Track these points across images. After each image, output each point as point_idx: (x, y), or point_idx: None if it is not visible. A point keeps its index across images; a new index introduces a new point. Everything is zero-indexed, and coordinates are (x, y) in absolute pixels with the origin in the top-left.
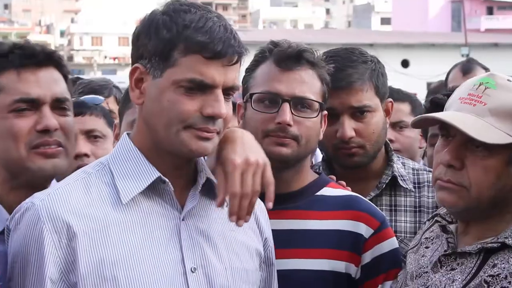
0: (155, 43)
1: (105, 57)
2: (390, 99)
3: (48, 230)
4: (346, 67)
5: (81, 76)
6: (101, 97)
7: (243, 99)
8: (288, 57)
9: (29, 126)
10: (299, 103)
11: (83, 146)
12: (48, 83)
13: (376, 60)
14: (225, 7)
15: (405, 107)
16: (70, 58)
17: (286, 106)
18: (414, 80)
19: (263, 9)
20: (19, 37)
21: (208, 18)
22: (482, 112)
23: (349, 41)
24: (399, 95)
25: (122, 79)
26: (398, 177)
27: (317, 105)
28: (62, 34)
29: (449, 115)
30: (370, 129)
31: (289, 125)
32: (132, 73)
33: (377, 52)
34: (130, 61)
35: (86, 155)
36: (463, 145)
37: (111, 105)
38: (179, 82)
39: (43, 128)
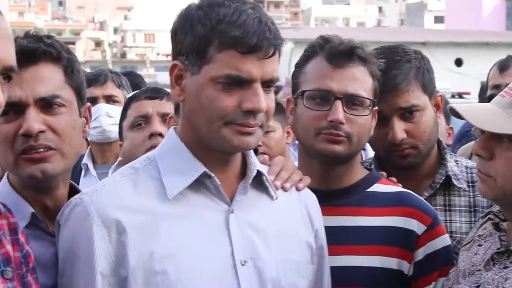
0: (190, 39)
1: (158, 54)
2: (439, 93)
3: (97, 225)
4: (390, 68)
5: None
6: None
7: (292, 94)
8: (340, 53)
9: (14, 130)
10: (351, 101)
11: (159, 126)
12: (32, 83)
13: (420, 56)
14: (277, 4)
15: None
16: (123, 55)
17: (339, 104)
18: (468, 79)
19: (315, 6)
20: (73, 34)
21: (242, 11)
22: (507, 104)
23: (402, 39)
24: None
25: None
26: (452, 176)
27: (368, 102)
28: (115, 31)
29: (465, 106)
30: (421, 129)
31: (342, 123)
32: (171, 70)
33: (430, 51)
34: None
35: (160, 134)
36: (494, 136)
37: (111, 90)
38: (216, 79)
39: (24, 133)
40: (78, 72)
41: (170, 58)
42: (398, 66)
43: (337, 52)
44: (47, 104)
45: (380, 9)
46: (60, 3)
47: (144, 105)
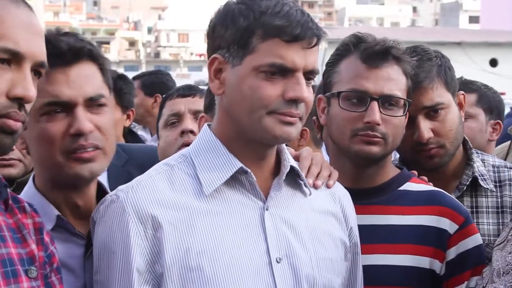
0: (232, 31)
1: (191, 53)
2: (462, 92)
3: (133, 222)
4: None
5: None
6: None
7: (324, 93)
8: (375, 53)
9: (62, 130)
10: (387, 101)
11: (190, 123)
12: (79, 82)
13: (440, 55)
14: (311, 4)
15: (470, 98)
16: (157, 54)
17: (375, 105)
18: (503, 80)
19: (349, 6)
20: (107, 34)
21: (284, 4)
22: None
23: (436, 40)
24: (466, 86)
25: (207, 75)
26: (479, 177)
27: (403, 102)
28: (149, 30)
29: None
30: (447, 127)
31: (378, 124)
32: (210, 64)
33: (465, 51)
34: None
35: (192, 132)
36: None
37: None
38: (259, 68)
39: (76, 132)
40: (108, 70)
41: (203, 58)
42: (419, 65)
43: (372, 52)
44: (93, 104)
45: (414, 9)
46: (95, 3)
47: (176, 103)
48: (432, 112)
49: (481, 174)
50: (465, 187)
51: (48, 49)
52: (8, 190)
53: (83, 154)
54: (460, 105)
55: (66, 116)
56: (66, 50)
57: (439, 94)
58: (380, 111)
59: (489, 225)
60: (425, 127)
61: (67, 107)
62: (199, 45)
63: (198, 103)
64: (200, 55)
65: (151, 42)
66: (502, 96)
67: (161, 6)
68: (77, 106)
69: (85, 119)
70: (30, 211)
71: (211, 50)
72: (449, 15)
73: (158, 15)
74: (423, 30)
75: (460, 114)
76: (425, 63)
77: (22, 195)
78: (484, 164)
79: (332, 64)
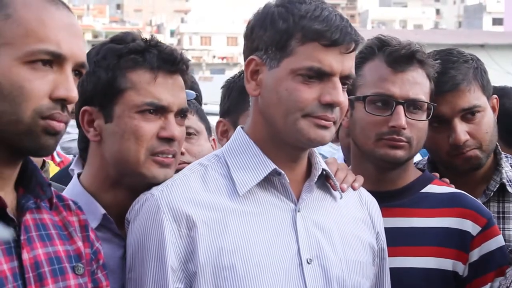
0: (271, 33)
1: (214, 56)
2: (495, 96)
3: (168, 220)
4: (448, 69)
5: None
6: (193, 92)
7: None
8: (401, 57)
9: (154, 131)
10: (412, 105)
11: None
12: (177, 91)
13: (475, 57)
14: (334, 7)
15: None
16: None
17: (401, 109)
18: None
19: (372, 9)
20: None
21: (323, 8)
22: None
23: (459, 42)
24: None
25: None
26: (507, 184)
27: (427, 106)
28: (172, 33)
29: None
30: (483, 130)
31: (404, 128)
32: (247, 66)
33: (488, 53)
34: (237, 61)
35: (181, 153)
36: None
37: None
38: (297, 71)
39: (169, 136)
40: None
41: (226, 61)
42: (456, 67)
43: (398, 56)
44: (181, 114)
45: (437, 11)
46: (118, 6)
47: None
48: (469, 114)
49: (509, 180)
50: (492, 193)
51: (156, 52)
52: (53, 189)
53: (165, 159)
54: (493, 109)
55: (158, 119)
56: (175, 57)
57: (476, 97)
58: (405, 115)
59: None
60: (462, 130)
61: (162, 112)
62: (222, 48)
63: (189, 122)
64: (223, 58)
65: (174, 45)
66: None
67: (184, 9)
68: (171, 113)
69: (176, 126)
70: (75, 209)
71: (248, 51)
72: (473, 17)
73: (181, 18)
74: (446, 32)
75: (494, 118)
76: (461, 65)
77: (66, 193)
78: None
79: (356, 66)
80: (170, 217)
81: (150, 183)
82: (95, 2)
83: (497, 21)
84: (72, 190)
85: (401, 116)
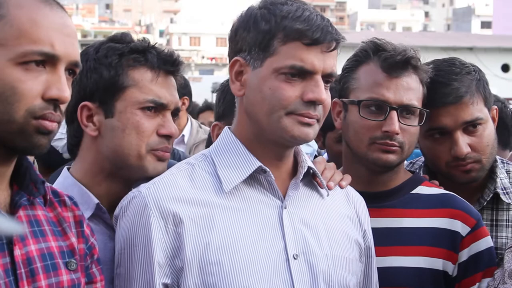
0: (254, 35)
1: (203, 57)
2: (495, 106)
3: (155, 217)
4: (451, 80)
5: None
6: None
7: (339, 96)
8: (396, 63)
9: (153, 128)
10: (405, 110)
11: None
12: (173, 90)
13: (478, 69)
14: (323, 9)
15: None
16: None
17: (394, 115)
18: None
19: (361, 11)
20: None
21: (305, 9)
22: None
23: (448, 45)
24: None
25: (219, 79)
26: (501, 192)
27: (419, 111)
28: (161, 34)
29: None
30: (484, 142)
31: (397, 133)
32: (231, 67)
33: (476, 56)
34: (227, 62)
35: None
36: None
37: None
38: (280, 70)
39: (168, 134)
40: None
41: (214, 61)
42: (459, 79)
43: (393, 62)
44: (174, 112)
45: (426, 13)
46: (107, 6)
47: None
48: (471, 127)
49: (504, 188)
50: (485, 203)
51: (156, 52)
52: (48, 184)
53: (165, 153)
54: (493, 119)
55: (156, 116)
56: (175, 58)
57: (478, 109)
58: (399, 121)
59: (507, 239)
60: (464, 142)
61: (160, 109)
62: (211, 48)
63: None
64: (212, 59)
65: (163, 45)
66: None
67: (173, 10)
68: (168, 111)
69: (173, 124)
70: (70, 205)
71: (232, 53)
72: (461, 20)
73: (170, 19)
74: (435, 35)
75: (494, 129)
76: (464, 77)
77: (57, 186)
78: (508, 176)
79: (350, 69)
80: (157, 214)
81: (149, 176)
82: (84, 2)
83: (486, 24)
84: (63, 183)
85: (394, 121)
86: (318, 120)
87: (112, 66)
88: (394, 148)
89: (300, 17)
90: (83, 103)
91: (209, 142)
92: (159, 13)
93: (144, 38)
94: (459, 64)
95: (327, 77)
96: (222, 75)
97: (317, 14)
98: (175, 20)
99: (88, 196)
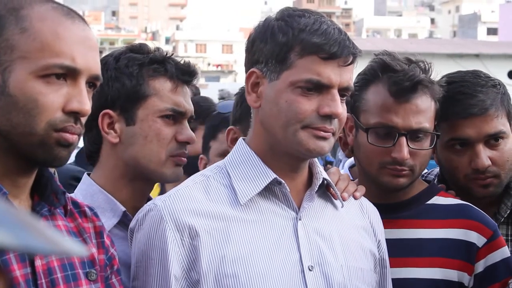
0: (271, 47)
1: (209, 64)
2: None
3: (171, 229)
4: (477, 92)
5: None
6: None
7: (351, 111)
8: (405, 88)
9: (172, 135)
10: (415, 134)
11: None
12: (189, 99)
13: (502, 83)
14: (329, 15)
15: None
16: None
17: (403, 141)
18: None
19: (367, 18)
20: (125, 44)
21: (322, 22)
22: None
23: (454, 51)
24: None
25: (225, 86)
26: None
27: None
28: (167, 41)
29: None
30: (505, 157)
31: (406, 159)
32: (248, 78)
33: (483, 63)
34: (232, 69)
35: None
36: None
37: None
38: (296, 83)
39: (186, 140)
40: None
41: (220, 68)
42: (485, 91)
43: (402, 88)
44: (189, 120)
45: (432, 20)
46: (114, 13)
47: None
48: (493, 140)
49: None
50: (502, 219)
51: (174, 63)
52: (68, 195)
53: (183, 158)
54: None
55: (174, 124)
56: (192, 69)
57: (502, 123)
58: (408, 145)
59: None
60: (485, 155)
61: (179, 117)
62: (217, 55)
63: None
64: (218, 66)
65: (169, 52)
66: None
67: (179, 17)
68: (185, 119)
69: (190, 131)
70: (90, 215)
71: (249, 64)
72: (467, 27)
73: (176, 26)
74: (441, 41)
75: None
76: (490, 90)
77: (80, 194)
78: None
79: (360, 88)
80: (173, 227)
81: (168, 181)
82: (91, 9)
83: (492, 31)
84: (87, 190)
85: (403, 148)
86: (333, 134)
87: (133, 75)
88: (404, 172)
89: (317, 30)
90: (104, 111)
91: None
92: (165, 20)
93: (158, 49)
94: (484, 77)
95: (343, 90)
96: (228, 81)
97: (334, 27)
98: (181, 27)
99: (115, 203)
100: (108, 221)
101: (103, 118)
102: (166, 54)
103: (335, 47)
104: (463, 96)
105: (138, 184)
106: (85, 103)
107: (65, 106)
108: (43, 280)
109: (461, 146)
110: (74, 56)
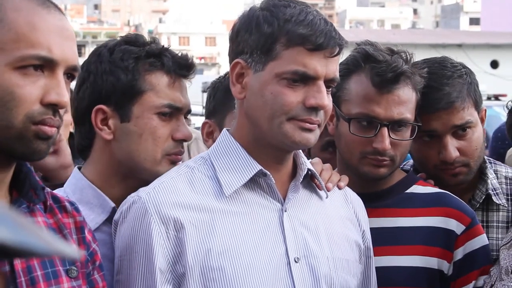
0: (256, 37)
1: (192, 57)
2: (484, 107)
3: (156, 222)
4: (443, 85)
5: None
6: None
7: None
8: (387, 80)
9: (168, 133)
10: (397, 125)
11: None
12: (186, 93)
13: (469, 71)
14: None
15: None
16: None
17: (385, 131)
18: (504, 82)
19: (349, 9)
20: (108, 37)
21: (308, 12)
22: None
23: (437, 42)
24: None
25: (208, 78)
26: (492, 194)
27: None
28: (150, 33)
29: None
30: (473, 146)
31: (387, 149)
32: (232, 69)
33: (465, 53)
34: (216, 61)
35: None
36: None
37: None
38: (282, 75)
39: (182, 138)
40: None
41: (204, 61)
42: (451, 83)
43: (384, 79)
44: (186, 115)
45: (415, 11)
46: (96, 7)
47: None
48: (460, 130)
49: (494, 189)
50: (478, 204)
51: (171, 56)
52: (48, 190)
53: (178, 157)
54: (482, 120)
55: (170, 121)
56: (190, 62)
57: (469, 113)
58: (389, 136)
59: (498, 240)
60: (453, 146)
61: (176, 113)
62: (200, 48)
63: None
64: (201, 58)
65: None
66: (504, 98)
67: (162, 10)
68: (182, 114)
69: (187, 128)
70: (71, 210)
71: (233, 54)
72: (450, 17)
73: (159, 19)
74: (424, 32)
75: (483, 130)
76: (456, 81)
77: (69, 188)
78: (497, 176)
79: (341, 77)
80: (157, 220)
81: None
82: (73, 2)
83: (474, 21)
84: (76, 184)
85: (384, 138)
86: (319, 125)
87: (129, 70)
88: (385, 162)
89: (303, 21)
90: (98, 106)
91: None
92: (147, 13)
93: (155, 40)
94: (451, 67)
95: (329, 82)
96: (212, 74)
97: (320, 18)
98: (164, 20)
99: (104, 199)
100: (97, 217)
101: (97, 113)
102: (163, 46)
103: (321, 38)
104: (429, 89)
105: (131, 182)
106: (64, 95)
107: (43, 98)
108: (23, 279)
109: (429, 137)
110: (51, 47)
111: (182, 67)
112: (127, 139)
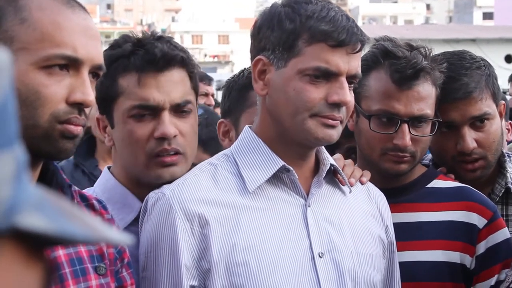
0: (278, 34)
1: (205, 55)
2: (503, 102)
3: (180, 219)
4: (461, 75)
5: None
6: None
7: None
8: (407, 76)
9: (148, 133)
10: (417, 121)
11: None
12: (169, 87)
13: (487, 63)
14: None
15: None
16: None
17: (405, 128)
18: None
19: (362, 5)
20: None
21: (330, 9)
22: None
23: (450, 37)
24: None
25: (222, 77)
26: None
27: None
28: (163, 32)
29: None
30: (490, 138)
31: (408, 146)
32: (255, 65)
33: (479, 48)
34: (229, 59)
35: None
36: None
37: None
38: (304, 71)
39: (161, 136)
40: (196, 75)
41: (217, 59)
42: (469, 74)
43: (404, 76)
44: (179, 109)
45: (428, 6)
46: (109, 6)
47: None
48: (478, 122)
49: None
50: (497, 198)
51: (141, 54)
52: (76, 188)
53: (166, 158)
54: (501, 114)
55: (152, 119)
56: (160, 56)
57: (487, 105)
58: (410, 132)
59: None
60: (470, 137)
61: (155, 111)
62: (213, 46)
63: None
64: (214, 57)
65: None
66: None
67: (174, 8)
68: (164, 111)
69: (170, 124)
70: (99, 208)
71: (255, 51)
72: (463, 12)
73: (172, 17)
74: (437, 27)
75: (501, 124)
76: (474, 72)
77: (99, 187)
78: None
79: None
80: (182, 216)
81: (161, 183)
82: (85, 2)
83: (488, 16)
84: (105, 184)
85: (405, 135)
86: (341, 122)
87: (106, 75)
88: (405, 158)
89: (325, 17)
90: (96, 115)
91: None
92: (160, 12)
93: (143, 32)
94: (469, 59)
95: (351, 78)
96: (225, 72)
97: (342, 14)
98: (177, 18)
99: (133, 198)
100: (126, 217)
101: (98, 122)
102: (139, 42)
103: (344, 34)
104: (448, 80)
105: (148, 188)
106: (89, 94)
107: (68, 97)
108: None
109: (447, 129)
110: (76, 46)
111: (149, 62)
112: (118, 146)
